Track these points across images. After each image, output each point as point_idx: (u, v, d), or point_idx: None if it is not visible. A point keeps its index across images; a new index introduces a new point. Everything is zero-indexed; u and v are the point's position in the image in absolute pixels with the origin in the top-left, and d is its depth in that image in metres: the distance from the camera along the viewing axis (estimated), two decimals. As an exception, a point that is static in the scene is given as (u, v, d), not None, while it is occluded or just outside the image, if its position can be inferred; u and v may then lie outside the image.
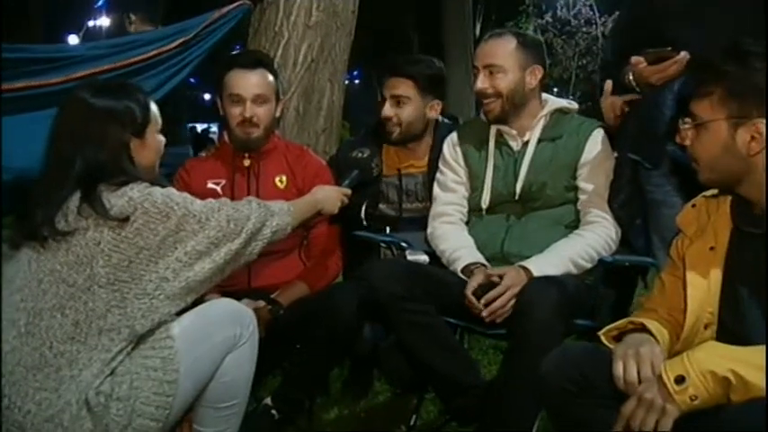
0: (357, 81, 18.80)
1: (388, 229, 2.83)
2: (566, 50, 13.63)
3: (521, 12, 14.01)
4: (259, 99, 2.58)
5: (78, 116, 1.95)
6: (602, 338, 1.79)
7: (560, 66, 13.31)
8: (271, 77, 2.63)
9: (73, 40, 19.74)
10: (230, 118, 2.60)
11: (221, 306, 2.02)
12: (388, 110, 2.79)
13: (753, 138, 1.64)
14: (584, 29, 13.55)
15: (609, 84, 2.51)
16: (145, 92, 2.09)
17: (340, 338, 2.40)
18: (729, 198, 1.77)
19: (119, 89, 2.02)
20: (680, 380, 1.47)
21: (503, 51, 2.54)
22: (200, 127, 22.39)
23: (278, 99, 2.68)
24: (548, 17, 14.02)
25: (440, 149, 2.78)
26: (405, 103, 2.79)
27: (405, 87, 2.79)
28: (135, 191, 1.85)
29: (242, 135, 2.60)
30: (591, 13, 13.52)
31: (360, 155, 2.75)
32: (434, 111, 2.87)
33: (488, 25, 15.49)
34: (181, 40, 2.75)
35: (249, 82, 2.58)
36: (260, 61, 2.64)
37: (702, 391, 1.45)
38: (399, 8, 14.85)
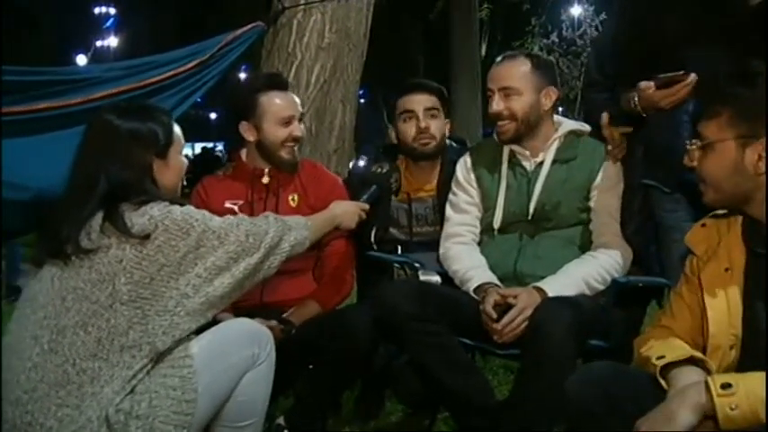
0: (362, 101, 18.90)
1: (399, 249, 2.84)
2: (571, 70, 13.69)
3: (527, 32, 14.09)
4: (300, 117, 2.69)
5: (103, 137, 1.98)
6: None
7: (566, 86, 13.35)
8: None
9: (81, 59, 19.95)
10: (277, 141, 2.63)
11: (239, 326, 2.03)
12: (424, 121, 2.82)
13: (760, 157, 1.66)
14: (589, 49, 13.59)
15: (605, 116, 2.50)
16: (169, 114, 2.13)
17: (354, 360, 2.41)
18: (741, 218, 1.78)
19: (143, 111, 2.05)
20: (726, 386, 1.48)
21: (517, 73, 2.55)
22: (207, 146, 22.54)
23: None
24: (553, 37, 14.10)
25: (448, 173, 2.81)
26: (436, 116, 2.86)
27: (435, 100, 2.87)
28: (155, 209, 1.88)
29: (288, 156, 2.66)
30: (596, 33, 13.56)
31: (379, 170, 2.77)
32: (448, 130, 2.94)
33: (494, 46, 15.59)
34: (196, 62, 2.77)
35: (295, 102, 2.68)
36: (286, 81, 2.73)
37: (744, 404, 1.46)
38: (406, 29, 14.95)
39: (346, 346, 2.36)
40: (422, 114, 2.83)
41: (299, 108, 2.69)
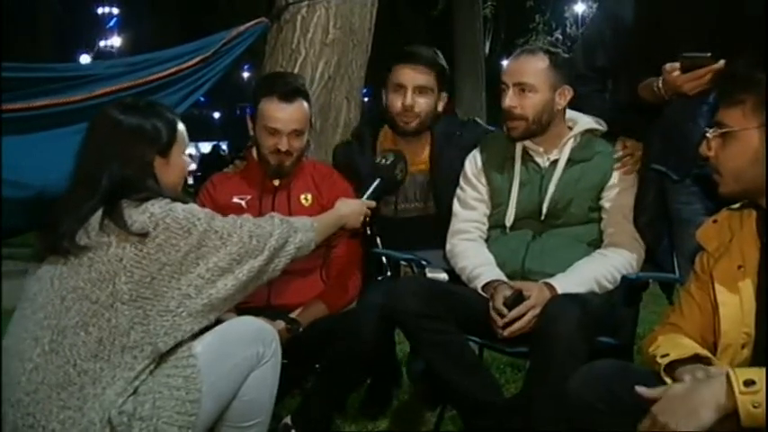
0: (366, 99, 18.83)
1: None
2: (575, 67, 13.62)
3: (531, 29, 14.06)
4: (296, 132, 2.59)
5: (105, 132, 1.96)
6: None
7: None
8: (307, 106, 2.63)
9: (85, 59, 19.99)
10: (263, 146, 2.60)
11: (244, 324, 2.01)
12: (410, 99, 2.73)
13: None
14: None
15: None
16: (174, 112, 2.10)
17: (362, 359, 2.38)
18: (754, 214, 1.74)
19: (148, 108, 2.02)
20: (749, 383, 1.43)
21: (535, 70, 2.50)
22: (209, 145, 22.54)
23: (311, 125, 2.69)
24: (557, 34, 14.07)
25: (439, 146, 2.77)
26: (427, 94, 2.76)
27: (428, 78, 2.76)
28: (156, 206, 1.85)
29: (275, 163, 2.60)
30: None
31: (383, 161, 2.69)
32: (442, 104, 2.84)
33: (498, 43, 15.57)
34: (199, 58, 2.75)
35: (288, 117, 2.56)
36: (297, 90, 2.62)
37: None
38: (409, 26, 14.93)
39: (353, 347, 2.34)
40: (410, 91, 2.74)
41: (295, 125, 2.57)
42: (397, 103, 2.76)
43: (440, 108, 2.84)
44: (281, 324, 2.40)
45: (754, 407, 1.42)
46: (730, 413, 1.45)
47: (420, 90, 2.75)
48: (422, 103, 2.76)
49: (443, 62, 2.83)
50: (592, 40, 2.69)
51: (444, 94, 2.85)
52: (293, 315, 2.50)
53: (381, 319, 2.34)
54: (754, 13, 2.20)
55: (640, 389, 1.57)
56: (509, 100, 2.51)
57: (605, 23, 2.63)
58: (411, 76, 2.75)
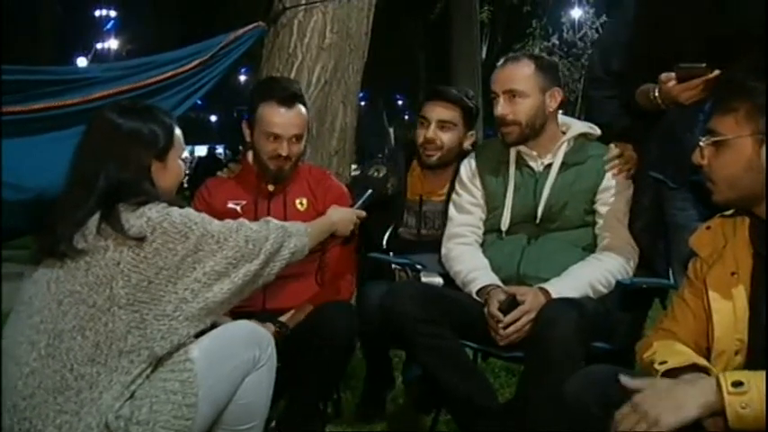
0: (363, 103, 18.84)
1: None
2: (572, 72, 13.62)
3: (527, 35, 14.07)
4: (296, 137, 2.60)
5: (103, 135, 1.96)
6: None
7: (567, 88, 13.29)
8: (305, 111, 2.65)
9: (82, 62, 19.98)
10: (263, 152, 2.61)
11: (240, 328, 2.01)
12: (432, 132, 2.82)
13: None
14: (589, 51, 13.52)
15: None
16: (172, 116, 2.10)
17: (332, 356, 2.39)
18: (747, 221, 1.75)
19: (146, 111, 2.03)
20: (738, 384, 1.44)
21: (522, 76, 2.54)
22: (205, 148, 22.52)
23: (308, 130, 2.70)
24: (554, 40, 14.06)
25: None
26: (450, 129, 2.84)
27: (453, 114, 2.85)
28: (153, 211, 1.85)
29: (275, 168, 2.61)
30: (596, 35, 13.52)
31: (376, 173, 2.76)
32: (469, 141, 2.93)
33: (495, 48, 15.58)
34: (197, 62, 2.75)
35: (289, 122, 2.58)
36: (296, 95, 2.63)
37: (756, 403, 1.42)
38: (406, 31, 14.96)
39: (322, 346, 2.35)
40: (433, 124, 2.83)
41: (295, 130, 2.59)
42: (420, 135, 2.87)
43: (466, 144, 2.92)
44: (271, 327, 2.41)
45: (742, 407, 1.43)
46: (718, 414, 1.45)
47: (443, 124, 2.84)
48: (444, 138, 2.84)
49: (470, 102, 2.92)
50: (607, 43, 2.72)
51: (471, 134, 2.94)
52: (283, 318, 2.51)
53: (380, 322, 2.36)
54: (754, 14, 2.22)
55: (624, 378, 1.57)
56: (501, 108, 2.55)
57: (619, 26, 2.66)
58: (435, 110, 2.85)
